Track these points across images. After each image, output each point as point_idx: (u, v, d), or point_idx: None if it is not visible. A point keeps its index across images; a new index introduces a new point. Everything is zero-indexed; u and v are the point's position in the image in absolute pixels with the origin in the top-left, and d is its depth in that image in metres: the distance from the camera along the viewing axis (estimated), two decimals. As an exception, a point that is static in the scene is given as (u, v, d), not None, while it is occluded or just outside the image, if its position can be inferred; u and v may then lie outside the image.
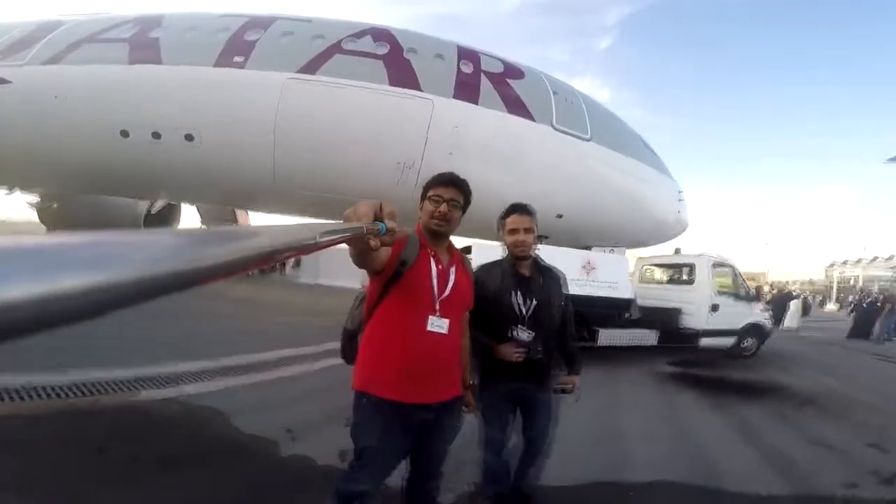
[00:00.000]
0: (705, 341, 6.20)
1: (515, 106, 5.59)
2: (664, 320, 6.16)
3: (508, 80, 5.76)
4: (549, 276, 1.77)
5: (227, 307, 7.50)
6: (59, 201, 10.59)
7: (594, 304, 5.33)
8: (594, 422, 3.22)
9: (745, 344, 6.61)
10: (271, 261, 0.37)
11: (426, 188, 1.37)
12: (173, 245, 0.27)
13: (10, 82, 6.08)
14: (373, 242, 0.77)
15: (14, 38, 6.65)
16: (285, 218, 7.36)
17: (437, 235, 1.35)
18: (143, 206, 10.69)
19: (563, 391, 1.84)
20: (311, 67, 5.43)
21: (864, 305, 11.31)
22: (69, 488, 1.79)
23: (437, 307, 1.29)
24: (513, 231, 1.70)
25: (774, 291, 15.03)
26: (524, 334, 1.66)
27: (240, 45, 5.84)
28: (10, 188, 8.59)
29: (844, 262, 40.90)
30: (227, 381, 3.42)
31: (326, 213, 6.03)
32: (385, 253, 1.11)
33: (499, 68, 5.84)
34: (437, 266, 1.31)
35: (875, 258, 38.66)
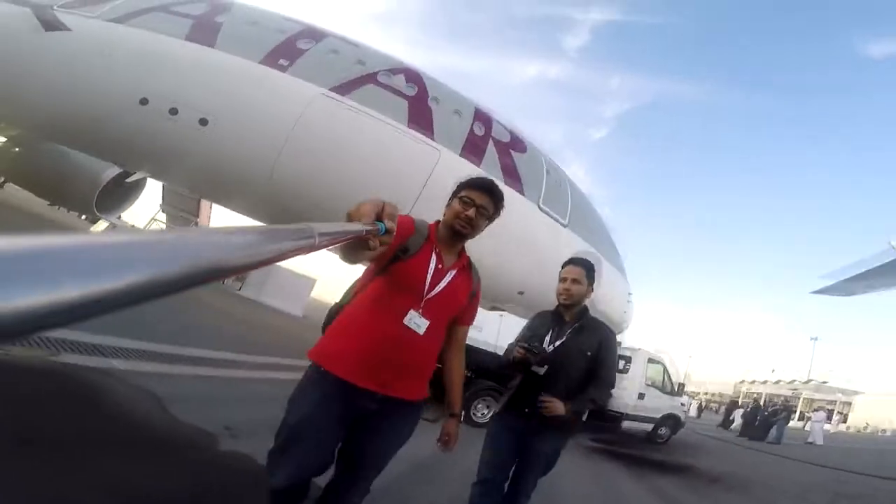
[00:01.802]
0: (627, 424, 6.90)
1: (511, 177, 6.22)
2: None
3: (512, 151, 6.45)
4: (588, 326, 1.91)
5: (172, 300, 7.61)
6: (24, 147, 10.55)
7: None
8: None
9: (661, 431, 7.44)
10: (271, 261, 0.37)
11: (460, 187, 1.37)
12: (171, 246, 0.26)
13: (70, 30, 6.41)
14: (372, 242, 0.76)
15: None
16: (251, 220, 7.39)
17: (454, 236, 1.34)
18: (108, 174, 10.70)
19: (541, 406, 1.76)
20: (344, 89, 6.07)
21: (766, 413, 13.94)
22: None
23: (422, 304, 1.26)
24: (563, 280, 1.96)
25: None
26: (537, 366, 1.79)
27: (290, 49, 6.49)
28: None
29: (752, 382, 46.96)
30: (165, 367, 3.30)
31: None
32: (373, 252, 1.05)
33: (506, 138, 6.54)
34: (437, 264, 1.29)
35: (778, 381, 44.53)
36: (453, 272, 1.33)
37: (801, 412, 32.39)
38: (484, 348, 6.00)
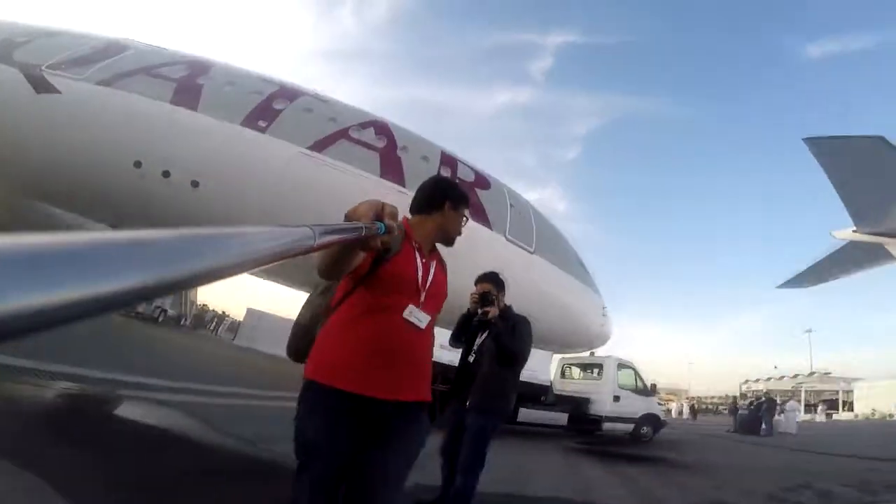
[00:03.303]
0: (608, 425, 7.60)
1: (478, 213, 6.95)
2: (575, 406, 7.48)
3: (476, 189, 7.18)
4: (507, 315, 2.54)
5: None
6: (10, 208, 11.09)
7: (520, 387, 6.57)
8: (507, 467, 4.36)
9: (643, 430, 8.08)
10: (270, 261, 0.38)
11: (460, 201, 1.43)
12: (171, 246, 0.26)
13: (59, 92, 6.91)
14: (372, 242, 0.76)
15: (81, 52, 7.60)
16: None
17: (444, 242, 1.42)
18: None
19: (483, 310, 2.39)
20: (320, 146, 6.78)
21: (752, 406, 14.56)
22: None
23: (422, 298, 1.26)
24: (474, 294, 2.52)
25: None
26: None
27: (266, 110, 7.19)
28: None
29: (757, 380, 48.08)
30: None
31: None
32: (359, 258, 1.05)
33: (470, 177, 7.30)
34: (420, 258, 1.31)
35: (782, 377, 46.06)
36: (434, 264, 1.35)
37: (806, 403, 33.44)
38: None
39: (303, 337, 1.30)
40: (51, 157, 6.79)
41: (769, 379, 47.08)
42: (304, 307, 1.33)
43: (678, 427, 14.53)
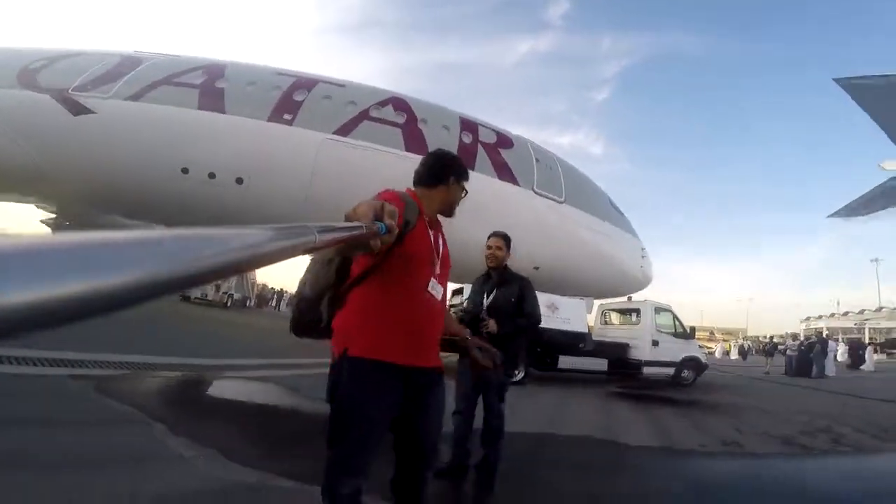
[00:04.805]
0: (648, 370, 7.86)
1: (504, 172, 7.26)
2: (614, 352, 7.87)
3: (500, 149, 7.45)
4: (509, 280, 2.63)
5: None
6: (77, 221, 11.44)
7: (556, 336, 7.05)
8: (544, 411, 4.90)
9: (684, 374, 8.29)
10: (271, 261, 0.39)
11: (463, 174, 1.48)
12: (171, 246, 0.27)
13: (94, 112, 7.56)
14: (372, 242, 0.77)
15: (99, 72, 8.16)
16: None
17: (448, 214, 1.47)
18: None
19: (481, 322, 2.48)
20: (345, 130, 7.20)
21: (803, 348, 13.78)
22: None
23: (437, 269, 1.35)
24: (488, 248, 2.65)
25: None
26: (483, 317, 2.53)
27: (289, 103, 7.62)
28: (51, 204, 9.67)
29: (819, 317, 46.08)
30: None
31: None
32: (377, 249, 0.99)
33: (492, 139, 7.54)
34: (430, 231, 1.37)
35: (846, 312, 43.91)
36: (440, 235, 1.43)
37: (869, 342, 28.73)
38: None
39: (309, 310, 1.23)
40: (106, 173, 7.49)
41: (832, 315, 44.84)
42: (309, 278, 1.23)
43: (722, 369, 14.27)
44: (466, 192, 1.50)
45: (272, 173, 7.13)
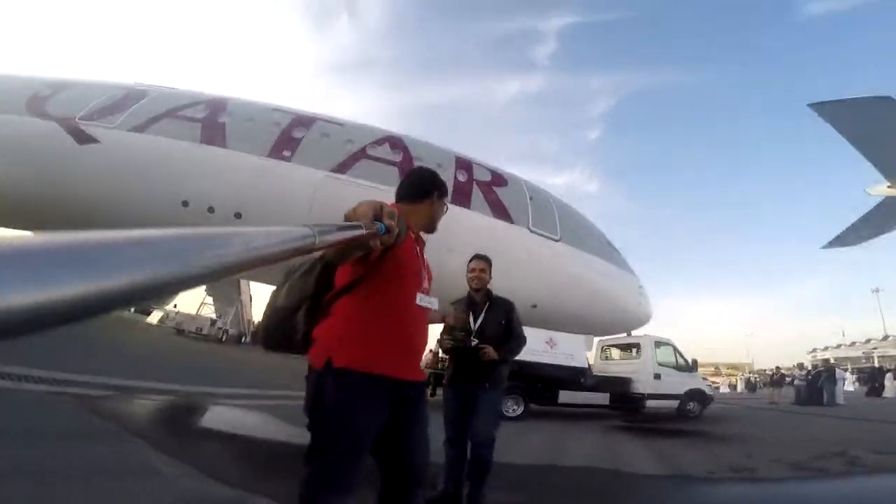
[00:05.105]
0: (651, 403, 7.77)
1: (499, 210, 7.36)
2: (616, 386, 7.86)
3: (494, 188, 7.58)
4: (497, 304, 2.62)
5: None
6: None
7: (555, 371, 7.13)
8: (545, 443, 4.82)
9: (689, 406, 8.19)
10: (271, 261, 0.40)
11: (444, 191, 1.51)
12: (172, 245, 0.27)
13: (99, 142, 7.64)
14: (372, 242, 0.78)
15: (105, 102, 8.30)
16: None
17: (429, 230, 1.50)
18: None
19: (479, 349, 2.44)
20: (343, 168, 7.33)
21: (810, 377, 13.83)
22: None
23: (426, 283, 1.37)
24: (472, 270, 2.65)
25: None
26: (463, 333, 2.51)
27: (288, 140, 7.78)
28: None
29: (825, 348, 45.88)
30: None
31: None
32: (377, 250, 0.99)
33: (487, 177, 7.68)
34: (416, 246, 1.39)
35: (853, 343, 43.73)
36: (422, 251, 1.46)
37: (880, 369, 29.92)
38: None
39: (282, 322, 1.18)
40: (108, 203, 7.50)
41: (838, 346, 44.49)
42: (285, 290, 1.18)
43: (729, 402, 14.19)
44: (447, 208, 1.54)
45: (271, 209, 7.19)
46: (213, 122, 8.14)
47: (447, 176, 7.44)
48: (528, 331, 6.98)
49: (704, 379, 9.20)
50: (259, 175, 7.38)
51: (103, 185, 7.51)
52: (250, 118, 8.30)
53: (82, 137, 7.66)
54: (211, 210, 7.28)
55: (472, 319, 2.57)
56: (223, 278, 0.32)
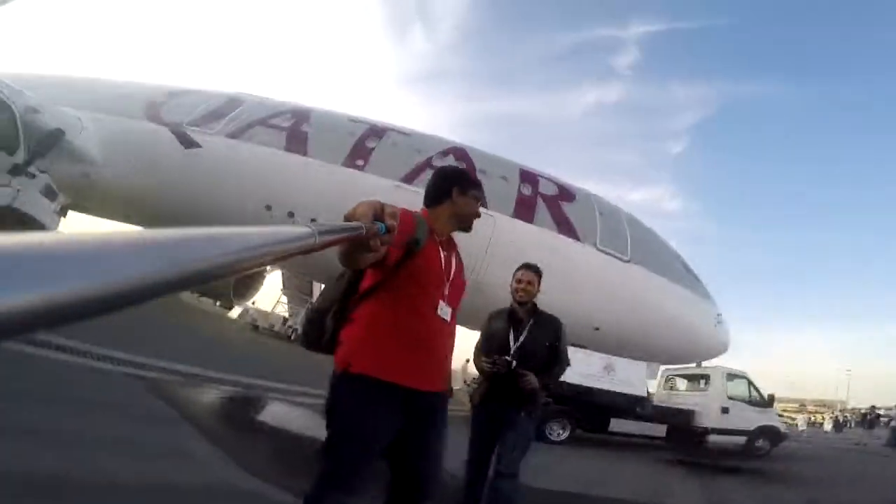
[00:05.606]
0: (715, 438, 7.15)
1: (564, 226, 7.15)
2: (676, 418, 7.29)
3: (561, 202, 7.37)
4: (543, 321, 2.30)
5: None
6: None
7: (609, 397, 6.82)
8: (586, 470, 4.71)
9: (758, 444, 7.44)
10: (272, 261, 0.40)
11: (467, 185, 1.43)
12: (173, 245, 0.27)
13: (200, 146, 8.58)
14: (372, 243, 0.77)
15: (209, 108, 9.30)
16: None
17: (461, 230, 1.44)
18: None
19: (521, 376, 2.12)
20: (410, 178, 7.63)
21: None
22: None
23: (447, 290, 1.33)
24: (518, 281, 2.32)
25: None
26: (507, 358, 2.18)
27: (362, 150, 8.27)
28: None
29: None
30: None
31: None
32: (374, 255, 0.97)
33: (554, 191, 7.48)
34: (442, 251, 1.35)
35: None
36: (453, 256, 1.40)
37: None
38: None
39: (318, 321, 1.28)
40: (200, 203, 8.45)
41: None
42: (322, 292, 1.30)
43: (808, 441, 12.81)
44: (481, 201, 1.47)
45: (343, 217, 7.67)
46: (296, 130, 8.86)
47: (510, 189, 7.40)
48: (583, 353, 6.80)
49: (780, 416, 8.21)
50: (333, 183, 7.90)
51: (202, 188, 8.40)
52: (329, 128, 8.93)
53: (187, 142, 8.61)
54: (291, 215, 7.88)
55: (511, 336, 2.28)
56: (225, 277, 0.34)
